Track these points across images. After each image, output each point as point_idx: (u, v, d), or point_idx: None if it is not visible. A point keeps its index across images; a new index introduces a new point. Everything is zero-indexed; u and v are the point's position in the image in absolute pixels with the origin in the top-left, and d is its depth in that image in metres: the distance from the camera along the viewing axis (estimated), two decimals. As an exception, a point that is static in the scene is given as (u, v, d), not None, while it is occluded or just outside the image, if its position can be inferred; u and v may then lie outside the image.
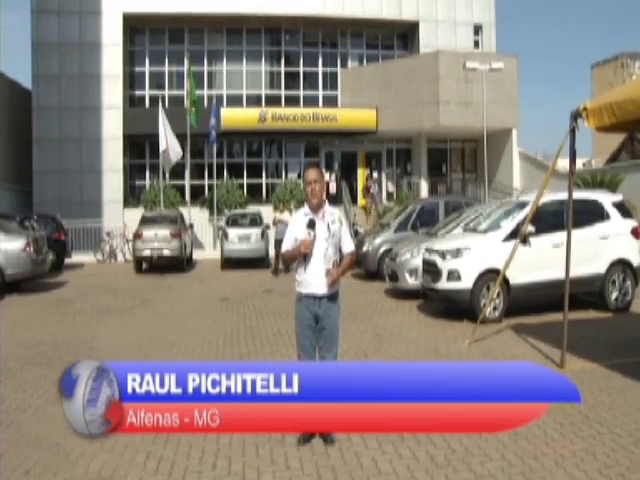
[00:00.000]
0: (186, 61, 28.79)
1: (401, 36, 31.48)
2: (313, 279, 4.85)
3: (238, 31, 29.90)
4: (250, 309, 11.63)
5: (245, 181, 29.34)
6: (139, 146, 28.56)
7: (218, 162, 27.06)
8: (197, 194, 27.56)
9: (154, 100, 28.01)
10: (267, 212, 22.65)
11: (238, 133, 27.77)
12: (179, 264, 18.63)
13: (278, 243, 15.95)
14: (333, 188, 29.93)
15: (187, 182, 26.20)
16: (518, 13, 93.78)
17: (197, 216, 24.76)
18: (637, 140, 26.55)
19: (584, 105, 6.34)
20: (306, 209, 4.91)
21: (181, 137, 23.93)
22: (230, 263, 19.30)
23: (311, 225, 4.77)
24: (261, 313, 11.11)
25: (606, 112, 6.01)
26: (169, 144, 22.87)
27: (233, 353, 8.08)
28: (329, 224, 4.84)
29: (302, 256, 4.80)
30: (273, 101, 29.87)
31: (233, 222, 20.19)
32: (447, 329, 9.33)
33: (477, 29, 30.82)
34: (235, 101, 29.60)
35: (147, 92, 29.57)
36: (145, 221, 19.30)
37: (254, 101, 29.94)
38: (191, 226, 21.46)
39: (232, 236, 19.34)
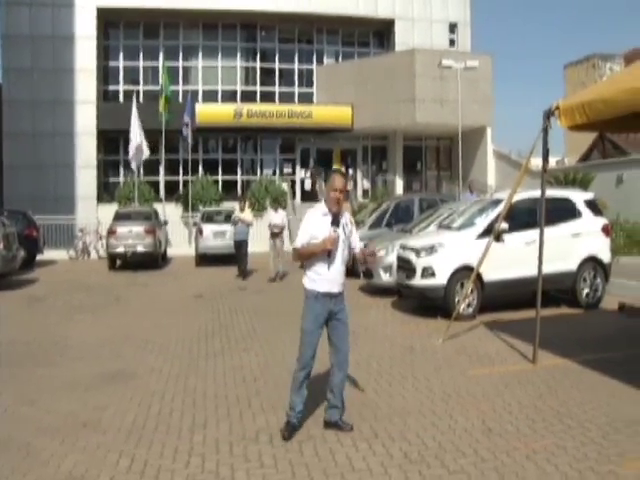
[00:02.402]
0: (161, 56, 28.55)
1: (377, 34, 31.57)
2: (334, 277, 4.97)
3: (214, 27, 29.73)
4: (225, 306, 11.57)
5: (220, 177, 29.21)
6: (113, 141, 28.24)
7: (193, 158, 26.88)
8: (172, 190, 27.35)
9: (128, 95, 27.73)
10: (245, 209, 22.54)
11: (213, 129, 27.62)
12: (153, 261, 18.47)
13: (238, 245, 15.66)
14: (308, 185, 29.98)
15: (162, 178, 26.00)
16: (493, 12, 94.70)
17: (172, 212, 24.56)
18: (608, 140, 26.97)
19: (556, 104, 6.41)
20: (323, 209, 4.98)
21: (156, 133, 23.72)
22: (205, 260, 19.19)
23: (336, 223, 4.91)
24: (235, 311, 11.07)
25: (577, 111, 6.09)
26: (140, 141, 22.69)
27: (207, 350, 8.04)
28: (344, 226, 5.01)
29: (326, 253, 4.88)
30: (248, 97, 29.76)
31: (208, 218, 20.07)
32: (421, 326, 9.37)
33: (452, 27, 31.06)
34: (210, 97, 29.41)
35: (121, 87, 29.24)
36: (119, 217, 19.09)
37: (229, 97, 29.79)
38: (165, 223, 21.30)
39: (207, 232, 19.23)
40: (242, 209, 16.00)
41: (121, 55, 29.22)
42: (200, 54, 29.85)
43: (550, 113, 6.51)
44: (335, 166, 29.59)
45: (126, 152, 26.48)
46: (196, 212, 23.44)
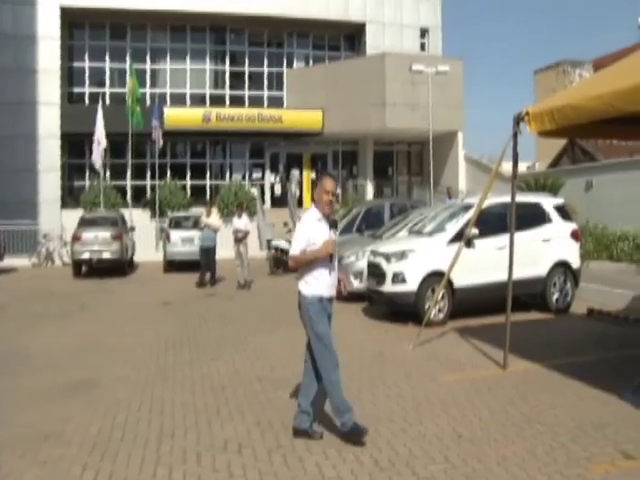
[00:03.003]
0: (128, 58, 28.31)
1: (348, 37, 31.72)
2: (333, 281, 5.04)
3: (182, 29, 29.60)
4: (193, 313, 11.49)
5: (189, 182, 29.05)
6: (78, 145, 27.82)
7: (161, 163, 26.69)
8: (139, 195, 27.11)
9: (94, 97, 27.45)
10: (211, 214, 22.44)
11: (182, 133, 27.44)
12: (120, 267, 18.27)
13: (205, 251, 15.36)
14: (278, 190, 29.95)
15: (129, 183, 25.75)
16: (464, 17, 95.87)
17: (139, 218, 24.35)
18: (577, 146, 27.43)
19: (526, 110, 6.51)
20: (317, 213, 5.03)
21: (123, 136, 23.49)
22: (173, 266, 19.05)
23: (334, 226, 5.04)
24: (204, 318, 11.00)
25: (547, 117, 6.19)
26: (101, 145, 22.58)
27: (175, 359, 7.97)
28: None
29: (328, 258, 4.92)
30: (218, 101, 29.69)
31: (176, 224, 19.94)
32: (392, 332, 9.43)
33: (423, 32, 31.35)
34: (179, 100, 29.26)
35: (87, 89, 28.88)
36: (84, 223, 18.83)
37: (198, 101, 29.68)
38: (132, 228, 21.10)
39: (175, 238, 19.10)
40: (209, 214, 15.72)
41: (86, 56, 28.86)
42: (168, 56, 29.67)
43: (520, 119, 6.60)
44: (297, 172, 29.48)
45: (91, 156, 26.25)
46: (164, 217, 23.27)
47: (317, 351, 5.00)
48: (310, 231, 4.96)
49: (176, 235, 19.13)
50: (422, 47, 31.24)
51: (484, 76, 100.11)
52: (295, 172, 29.15)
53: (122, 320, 10.94)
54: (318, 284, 4.96)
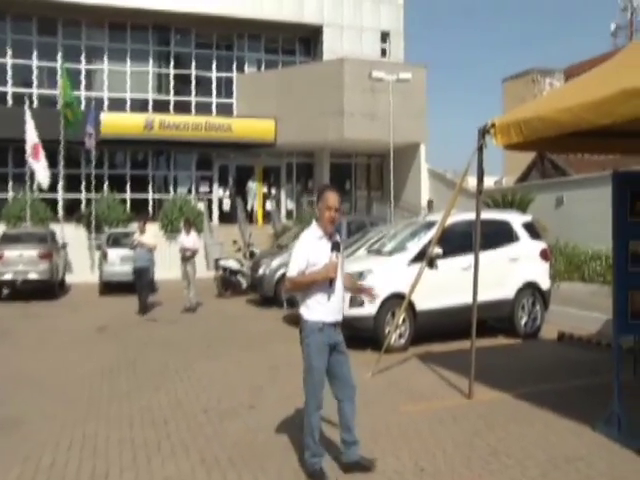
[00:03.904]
0: (60, 56, 27.94)
1: (303, 41, 32.03)
2: (338, 305, 5.02)
3: (122, 27, 29.39)
4: (132, 340, 11.34)
5: (129, 196, 28.71)
6: (0, 152, 27.24)
7: (98, 173, 26.28)
8: (72, 209, 26.56)
9: (19, 98, 26.97)
10: (154, 231, 22.24)
11: (121, 141, 27.11)
12: (49, 289, 17.88)
13: (138, 272, 14.98)
14: (227, 205, 29.87)
15: (60, 195, 25.25)
16: (428, 21, 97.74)
17: (72, 234, 23.86)
18: (547, 159, 28.08)
19: (492, 122, 6.66)
20: (318, 231, 5.02)
21: (54, 143, 23.09)
22: (110, 288, 18.75)
23: (337, 247, 4.96)
24: (145, 344, 10.86)
25: (514, 130, 6.31)
26: (40, 154, 22.11)
27: (111, 391, 7.84)
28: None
29: (328, 281, 4.89)
30: (161, 107, 29.53)
31: (114, 241, 19.65)
32: (349, 358, 9.44)
33: (385, 36, 31.87)
34: (118, 105, 28.98)
35: (10, 88, 28.29)
36: (7, 239, 18.36)
37: (139, 106, 29.47)
38: (64, 246, 20.70)
39: (113, 257, 18.83)
40: (142, 230, 15.20)
41: (9, 52, 28.27)
42: (106, 56, 29.43)
43: (485, 131, 6.75)
44: (256, 184, 29.58)
45: (17, 164, 25.72)
46: (101, 234, 22.90)
47: (305, 383, 5.03)
48: (310, 251, 4.95)
49: (114, 253, 18.85)
50: (383, 52, 31.74)
51: (449, 84, 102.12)
52: (252, 185, 29.24)
53: (51, 348, 10.72)
54: (319, 309, 4.96)
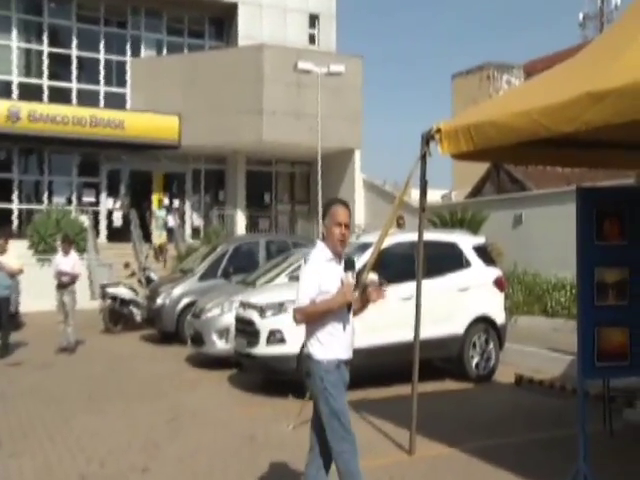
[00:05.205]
0: None
1: (214, 21, 32.13)
2: (350, 337, 5.15)
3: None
4: (-10, 389, 11.02)
5: (-15, 205, 27.98)
6: None
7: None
8: None
9: None
10: (21, 249, 21.72)
11: (-24, 136, 26.45)
12: None
13: None
14: (118, 219, 29.45)
15: None
16: (365, 5, 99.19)
17: None
18: (504, 171, 28.73)
19: (437, 126, 6.78)
20: (326, 252, 5.11)
21: None
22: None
23: (351, 266, 5.09)
24: (3, 396, 10.53)
25: (463, 136, 6.42)
26: None
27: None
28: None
29: (346, 308, 4.98)
30: (31, 93, 28.91)
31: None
32: (267, 408, 9.49)
33: (313, 20, 32.27)
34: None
35: None
36: None
37: (1, 91, 28.75)
38: None
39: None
40: (2, 250, 14.74)
41: None
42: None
43: (429, 137, 6.87)
44: (164, 212, 29.07)
45: None
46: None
47: (333, 432, 4.99)
48: (320, 274, 5.03)
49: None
50: (311, 39, 32.10)
51: (389, 81, 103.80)
52: (160, 213, 28.53)
53: None
54: (334, 344, 5.03)
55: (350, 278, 5.07)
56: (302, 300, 5.03)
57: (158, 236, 27.57)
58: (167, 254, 26.62)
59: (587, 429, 5.93)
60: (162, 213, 28.64)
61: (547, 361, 11.70)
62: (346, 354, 5.10)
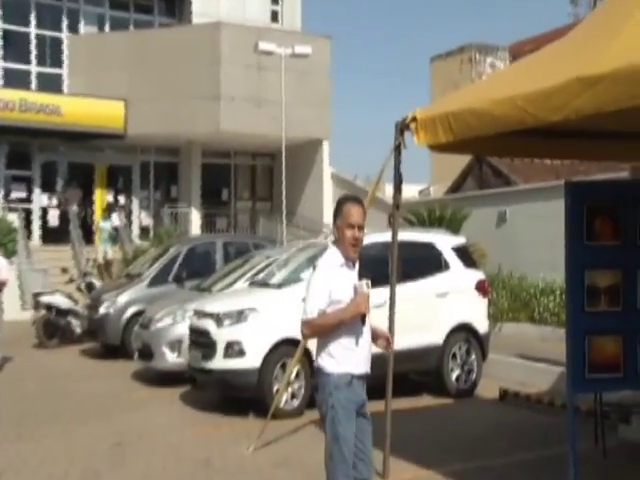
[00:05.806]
0: None
1: (164, -5, 31.97)
2: (367, 350, 5.13)
3: None
4: None
5: None
6: None
7: None
8: None
9: None
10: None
11: None
12: None
13: None
14: (54, 218, 29.13)
15: None
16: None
17: None
18: (487, 164, 28.87)
19: (413, 115, 6.80)
20: (338, 257, 5.10)
21: None
22: None
23: (366, 274, 5.06)
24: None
25: (441, 125, 6.44)
26: None
27: None
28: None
29: (360, 319, 4.98)
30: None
31: None
32: (224, 428, 9.48)
33: (276, -5, 32.25)
34: None
35: None
36: None
37: None
38: None
39: None
40: None
41: None
42: None
43: (404, 126, 6.90)
44: (109, 223, 28.57)
45: None
46: None
47: (331, 459, 4.99)
48: (331, 282, 5.01)
49: None
50: (274, 17, 32.14)
51: (361, 65, 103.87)
52: (105, 225, 27.92)
53: None
54: (348, 357, 5.01)
55: (365, 287, 5.01)
56: (310, 312, 5.04)
57: (103, 252, 27.02)
58: (113, 267, 26.12)
59: (578, 448, 5.97)
60: (107, 225, 27.66)
61: (534, 373, 11.77)
62: (361, 369, 5.09)
